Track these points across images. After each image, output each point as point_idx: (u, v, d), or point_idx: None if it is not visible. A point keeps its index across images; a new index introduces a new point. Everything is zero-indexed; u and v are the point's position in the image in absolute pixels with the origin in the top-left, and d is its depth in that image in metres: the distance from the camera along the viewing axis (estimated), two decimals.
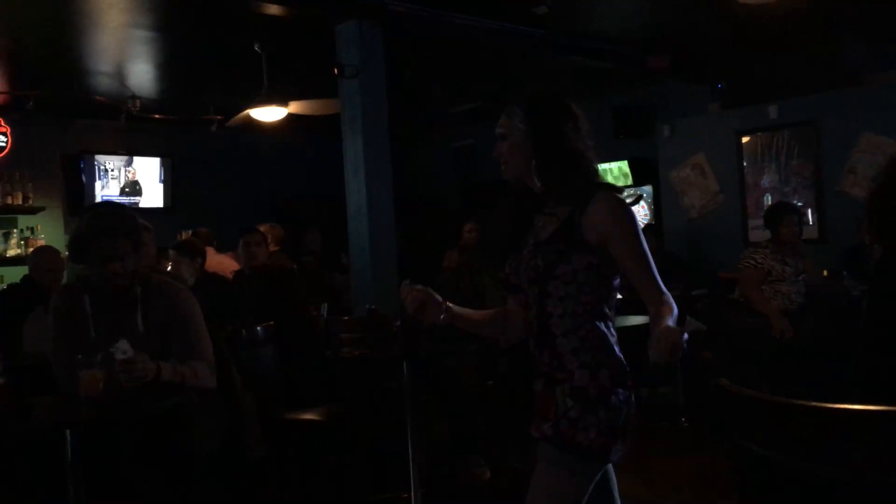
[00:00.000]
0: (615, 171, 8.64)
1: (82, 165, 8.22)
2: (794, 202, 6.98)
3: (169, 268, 5.23)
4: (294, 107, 6.13)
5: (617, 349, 2.05)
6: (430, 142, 10.15)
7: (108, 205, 3.51)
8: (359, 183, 5.65)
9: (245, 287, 5.22)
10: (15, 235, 7.74)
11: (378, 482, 4.27)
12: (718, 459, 4.84)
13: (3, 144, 7.75)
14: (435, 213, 9.57)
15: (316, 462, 4.38)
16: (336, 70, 5.55)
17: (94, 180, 8.28)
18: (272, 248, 6.10)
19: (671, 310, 1.93)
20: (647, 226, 7.58)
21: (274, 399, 4.13)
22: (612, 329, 2.07)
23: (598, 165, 2.18)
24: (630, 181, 8.53)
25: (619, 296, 2.14)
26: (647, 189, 8.55)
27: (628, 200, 2.06)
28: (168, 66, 6.91)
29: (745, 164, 7.73)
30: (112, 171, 8.42)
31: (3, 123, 7.72)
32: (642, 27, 6.64)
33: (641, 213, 8.70)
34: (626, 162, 8.52)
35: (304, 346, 4.80)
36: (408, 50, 6.44)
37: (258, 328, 4.32)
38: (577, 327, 2.02)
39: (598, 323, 2.03)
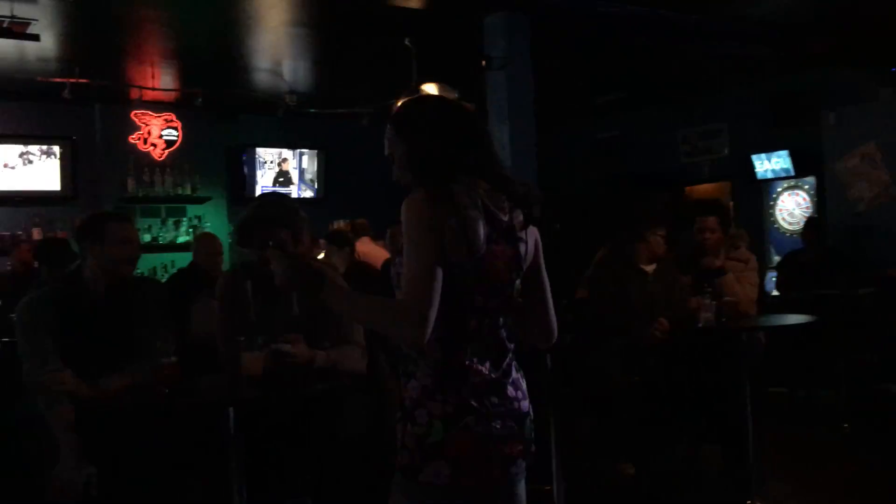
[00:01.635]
0: (773, 162, 8.22)
1: (244, 158, 8.69)
2: None
3: (321, 256, 5.45)
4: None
5: (442, 354, 1.84)
6: (575, 133, 10.01)
7: (273, 195, 3.70)
8: None
9: (376, 283, 5.35)
10: (184, 224, 8.30)
11: None
12: (882, 467, 4.56)
13: (175, 138, 8.31)
14: (579, 205, 9.45)
15: None
16: (483, 62, 5.58)
17: (254, 171, 8.73)
18: None
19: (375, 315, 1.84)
20: (809, 219, 7.16)
21: None
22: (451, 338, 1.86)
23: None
24: (791, 172, 8.09)
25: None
26: (810, 181, 8.08)
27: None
28: (323, 63, 7.18)
29: None
30: (269, 162, 8.85)
31: (175, 119, 8.28)
32: (804, 9, 6.26)
33: (803, 205, 8.24)
34: (786, 152, 8.09)
35: None
36: (554, 39, 6.38)
37: None
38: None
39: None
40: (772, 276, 7.38)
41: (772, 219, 8.48)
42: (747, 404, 4.06)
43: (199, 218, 8.37)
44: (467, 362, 1.85)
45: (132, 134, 8.11)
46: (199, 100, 7.54)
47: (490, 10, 5.64)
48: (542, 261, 2.03)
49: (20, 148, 7.59)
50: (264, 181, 8.80)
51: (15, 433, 3.00)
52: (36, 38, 5.47)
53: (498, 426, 1.85)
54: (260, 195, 7.24)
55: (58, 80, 6.58)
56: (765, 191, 8.51)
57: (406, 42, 6.06)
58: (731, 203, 8.53)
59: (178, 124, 8.31)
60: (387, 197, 10.05)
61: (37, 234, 7.49)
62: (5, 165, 7.52)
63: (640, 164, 9.39)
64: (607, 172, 9.73)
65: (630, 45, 6.87)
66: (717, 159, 8.91)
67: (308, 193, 9.05)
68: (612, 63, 7.49)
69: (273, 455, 2.89)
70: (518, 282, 1.96)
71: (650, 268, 4.68)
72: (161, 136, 8.25)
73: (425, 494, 1.83)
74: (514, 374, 1.95)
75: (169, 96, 7.76)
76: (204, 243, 5.62)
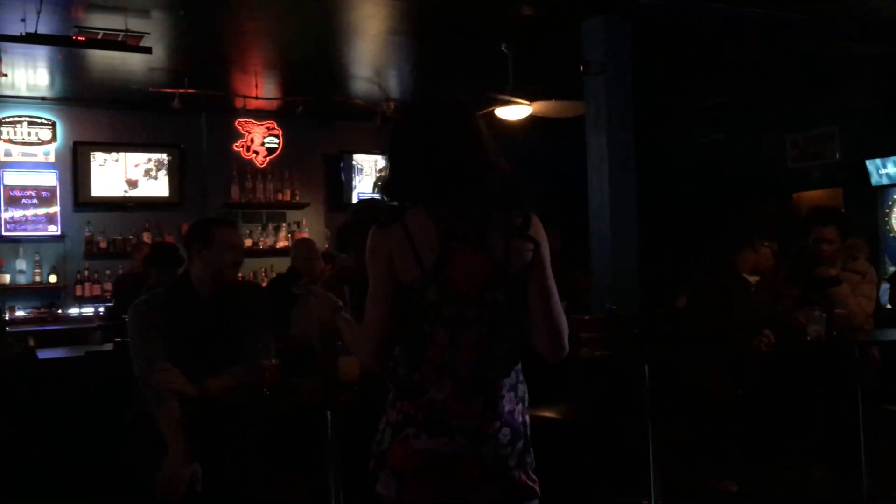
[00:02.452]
0: (890, 167, 7.81)
1: (342, 164, 8.85)
2: None
3: None
4: (538, 107, 6.16)
5: (404, 368, 1.83)
6: (677, 138, 9.77)
7: (371, 201, 3.73)
8: (602, 181, 5.57)
9: None
10: (283, 229, 8.51)
11: (617, 487, 4.18)
12: None
13: (276, 146, 8.54)
14: (682, 211, 9.20)
15: (552, 461, 4.38)
16: (582, 67, 5.51)
17: (351, 178, 8.88)
18: None
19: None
20: None
21: None
22: (413, 346, 1.83)
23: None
24: None
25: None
26: None
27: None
28: (419, 69, 7.24)
29: None
30: (367, 169, 8.98)
31: (276, 127, 8.52)
32: None
33: None
34: None
35: None
36: (655, 43, 6.25)
37: None
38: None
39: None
40: (886, 288, 7.01)
41: (887, 227, 8.07)
42: (860, 421, 3.85)
43: (297, 223, 8.57)
44: (425, 375, 1.80)
45: (236, 142, 8.38)
46: (300, 108, 7.73)
47: (589, 14, 5.56)
48: (543, 265, 1.87)
49: (133, 155, 7.95)
50: (362, 187, 8.93)
51: (128, 428, 3.12)
52: (148, 50, 5.72)
53: (443, 442, 1.77)
54: (359, 201, 7.36)
55: (168, 90, 6.86)
56: (880, 198, 8.09)
57: (503, 47, 6.04)
58: (843, 210, 8.15)
59: (279, 132, 8.54)
60: None
61: (147, 238, 7.83)
62: (120, 170, 7.89)
63: (746, 170, 9.08)
64: (711, 178, 9.45)
65: (736, 47, 6.66)
66: (828, 164, 8.53)
67: None
68: (716, 65, 7.28)
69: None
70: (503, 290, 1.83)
71: (754, 278, 4.51)
72: (263, 144, 8.50)
73: None
74: (497, 392, 1.82)
75: (271, 105, 7.99)
76: (302, 248, 5.74)
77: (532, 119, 6.57)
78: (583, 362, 4.39)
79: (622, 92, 5.57)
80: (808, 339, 3.95)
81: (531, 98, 6.18)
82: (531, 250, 1.85)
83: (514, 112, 6.25)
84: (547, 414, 4.11)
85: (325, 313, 2.30)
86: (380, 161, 9.04)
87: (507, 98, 6.13)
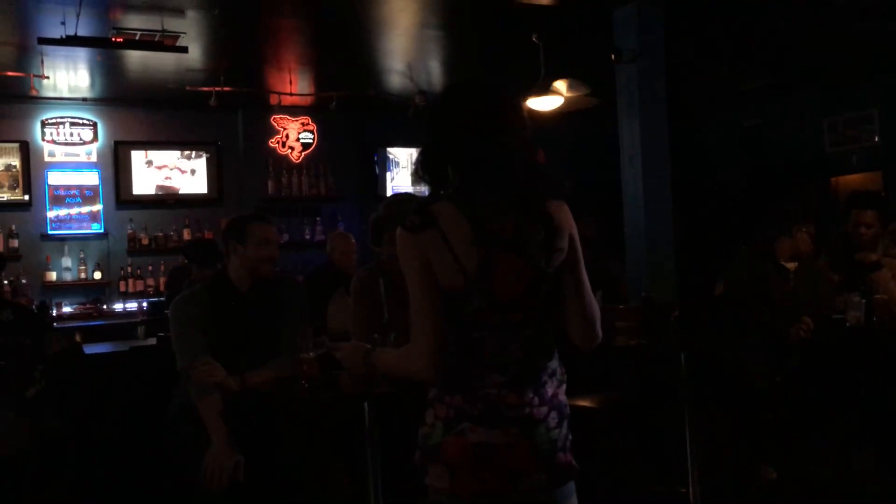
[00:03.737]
0: None
1: (376, 158, 8.91)
2: None
3: None
4: (569, 100, 6.14)
5: (453, 365, 1.80)
6: (716, 121, 9.65)
7: (402, 195, 3.77)
8: (635, 170, 5.55)
9: None
10: (319, 223, 8.60)
11: (655, 474, 4.19)
12: None
13: (311, 141, 8.62)
14: (719, 197, 9.11)
15: (589, 449, 4.39)
16: (613, 56, 5.49)
17: (385, 171, 8.94)
18: None
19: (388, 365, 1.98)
20: None
21: None
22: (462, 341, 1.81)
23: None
24: None
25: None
26: None
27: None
28: (451, 62, 7.26)
29: None
30: (402, 162, 9.03)
31: (310, 122, 8.60)
32: None
33: None
34: None
35: None
36: (690, 27, 6.19)
37: None
38: None
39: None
40: None
41: None
42: None
43: (333, 217, 8.65)
44: (475, 373, 1.81)
45: (271, 138, 8.48)
46: (334, 103, 7.79)
47: (619, 2, 5.53)
48: (576, 256, 1.87)
49: (172, 153, 8.09)
50: (397, 181, 8.99)
51: (172, 420, 3.20)
52: (185, 49, 5.82)
53: (498, 434, 1.78)
54: (393, 194, 7.40)
55: (204, 88, 6.97)
56: None
57: (534, 38, 6.04)
58: (884, 194, 8.01)
59: (314, 127, 8.62)
60: None
61: (186, 234, 7.97)
62: (160, 168, 8.04)
63: (784, 153, 8.95)
64: (750, 162, 9.33)
65: (772, 29, 6.57)
66: (867, 148, 8.38)
67: None
68: (752, 48, 7.18)
69: (407, 451, 2.96)
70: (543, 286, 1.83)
71: (792, 265, 4.47)
72: (298, 139, 8.58)
73: (432, 495, 1.83)
74: (542, 377, 1.84)
75: (305, 101, 8.06)
76: (338, 242, 5.81)
77: (566, 107, 6.56)
78: (619, 351, 4.40)
79: (654, 80, 5.54)
80: (848, 325, 3.91)
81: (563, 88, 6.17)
82: (572, 243, 1.86)
83: (547, 103, 6.24)
84: (584, 403, 4.12)
85: (356, 366, 2.18)
86: (414, 154, 9.08)
87: (543, 88, 6.12)
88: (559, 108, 6.32)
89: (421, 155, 1.88)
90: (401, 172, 9.02)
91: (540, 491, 1.80)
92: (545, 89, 6.15)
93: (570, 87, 6.00)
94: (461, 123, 1.83)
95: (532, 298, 1.82)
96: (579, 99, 6.18)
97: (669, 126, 5.62)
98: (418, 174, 1.87)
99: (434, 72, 7.58)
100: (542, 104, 6.26)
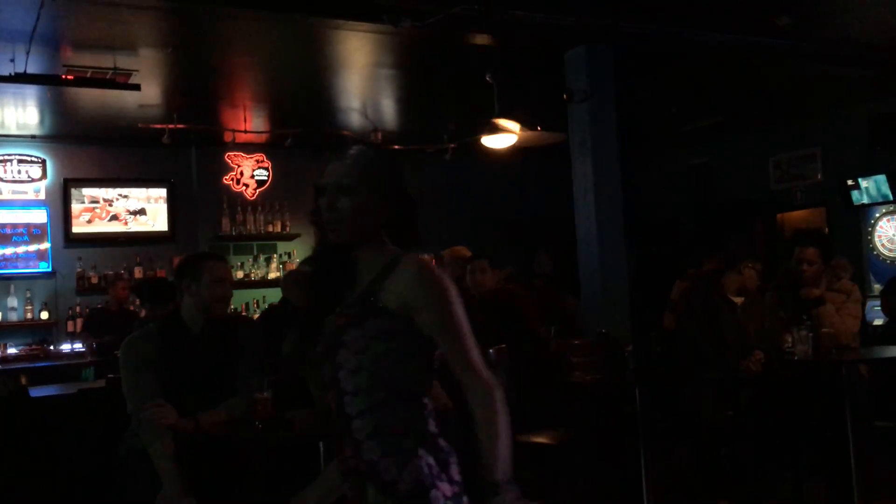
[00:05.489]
0: (871, 186, 7.92)
1: None
2: None
3: None
4: (520, 137, 6.24)
5: (438, 435, 1.71)
6: (666, 159, 9.87)
7: None
8: (588, 206, 5.63)
9: (474, 311, 5.36)
10: (275, 260, 8.54)
11: None
12: None
13: (266, 178, 8.59)
14: (670, 234, 9.28)
15: (548, 485, 4.39)
16: (565, 95, 5.60)
17: None
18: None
19: (496, 415, 1.69)
20: None
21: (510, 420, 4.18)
22: (430, 409, 1.73)
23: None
24: (890, 197, 7.79)
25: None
26: None
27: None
28: (406, 101, 7.33)
29: None
30: None
31: (265, 159, 8.57)
32: None
33: (890, 232, 7.91)
34: (884, 176, 7.79)
35: (535, 370, 4.84)
36: (639, 69, 6.35)
37: (490, 351, 4.42)
38: (374, 407, 1.67)
39: (408, 402, 1.69)
40: (872, 306, 7.08)
41: (870, 245, 8.16)
42: (850, 439, 3.89)
43: (288, 254, 8.59)
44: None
45: (226, 175, 8.43)
46: (289, 140, 7.79)
47: (571, 44, 5.66)
48: None
49: (124, 190, 7.98)
50: None
51: (123, 463, 3.12)
52: (137, 87, 5.78)
53: None
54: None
55: (157, 126, 6.92)
56: (862, 217, 8.20)
57: (487, 77, 6.13)
58: (827, 230, 8.25)
59: (269, 164, 8.60)
60: (468, 230, 10.11)
61: (138, 272, 7.83)
62: (111, 205, 7.92)
63: (731, 191, 9.18)
64: (698, 199, 9.54)
65: (719, 71, 6.77)
66: (810, 185, 8.65)
67: None
68: (701, 89, 7.39)
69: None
70: None
71: (739, 299, 4.56)
72: (252, 176, 8.55)
73: None
74: None
75: (260, 138, 8.05)
76: (293, 280, 5.76)
77: (516, 147, 6.65)
78: (574, 386, 4.43)
79: (605, 119, 5.66)
80: (796, 358, 3.99)
81: (516, 126, 6.26)
82: None
83: (500, 140, 6.33)
84: (540, 439, 4.13)
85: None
86: None
87: (498, 125, 6.19)
88: (514, 145, 6.41)
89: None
90: None
91: None
92: (498, 128, 6.23)
93: (523, 126, 6.09)
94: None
95: None
96: (535, 136, 6.27)
97: (621, 164, 5.73)
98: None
99: (389, 110, 7.65)
100: (495, 142, 6.35)
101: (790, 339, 4.03)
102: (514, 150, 6.97)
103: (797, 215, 8.88)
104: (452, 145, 8.09)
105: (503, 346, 4.51)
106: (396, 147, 8.34)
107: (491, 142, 6.36)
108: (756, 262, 4.45)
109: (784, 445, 4.28)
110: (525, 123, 6.19)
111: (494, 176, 9.22)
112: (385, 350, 1.68)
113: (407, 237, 1.86)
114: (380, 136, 7.79)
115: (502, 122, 6.00)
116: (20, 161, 7.61)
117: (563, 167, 6.12)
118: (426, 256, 1.83)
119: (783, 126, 8.68)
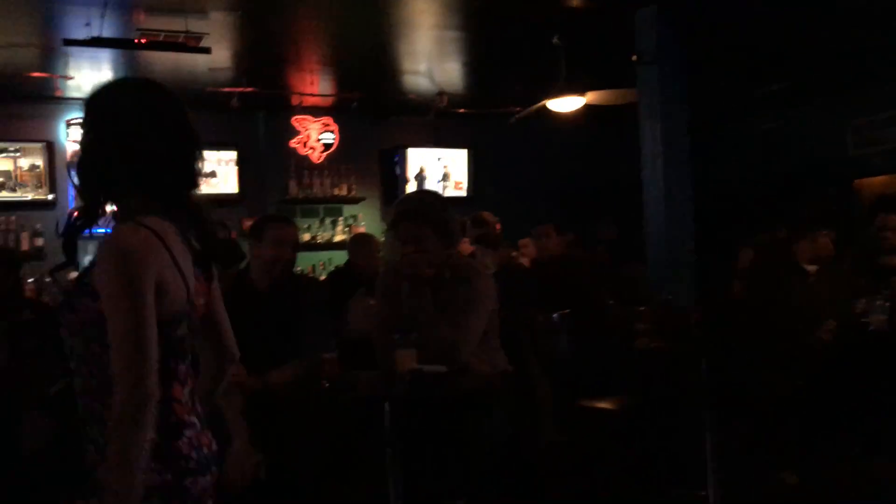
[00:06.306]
0: None
1: (396, 159, 8.93)
2: None
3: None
4: (591, 97, 6.14)
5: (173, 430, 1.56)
6: (737, 124, 9.59)
7: (417, 192, 3.80)
8: (656, 171, 5.53)
9: (539, 277, 5.36)
10: (340, 223, 8.64)
11: (674, 478, 4.17)
12: None
13: (332, 141, 8.66)
14: (741, 200, 9.05)
15: (609, 451, 4.39)
16: (634, 57, 5.48)
17: (405, 172, 8.96)
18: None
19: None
20: None
21: (568, 386, 4.20)
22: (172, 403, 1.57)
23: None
24: None
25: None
26: None
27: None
28: (472, 63, 7.27)
29: None
30: (421, 162, 9.04)
31: (332, 122, 8.64)
32: None
33: None
34: None
35: (598, 336, 4.82)
36: (711, 29, 6.16)
37: (554, 316, 4.42)
38: (88, 394, 1.54)
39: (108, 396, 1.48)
40: None
41: None
42: None
43: (353, 217, 8.68)
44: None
45: (293, 138, 8.52)
46: (355, 104, 7.82)
47: (640, 4, 5.52)
48: None
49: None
50: (419, 182, 9.00)
51: None
52: (207, 50, 5.86)
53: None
54: (407, 194, 7.43)
55: (227, 89, 7.02)
56: None
57: (554, 39, 6.04)
58: None
59: (335, 128, 8.65)
60: (532, 195, 10.06)
61: None
62: None
63: (805, 157, 8.88)
64: (770, 165, 9.27)
65: (794, 32, 6.52)
66: (891, 150, 8.29)
67: (457, 192, 9.18)
68: (775, 51, 7.13)
69: (427, 453, 2.97)
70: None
71: (812, 268, 4.44)
72: (319, 140, 8.62)
73: None
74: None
75: (326, 101, 8.10)
76: (359, 243, 5.83)
77: (585, 109, 6.55)
78: (637, 353, 4.40)
79: (675, 81, 5.52)
80: (871, 329, 3.88)
81: (584, 89, 6.16)
82: None
83: (567, 104, 6.24)
84: (602, 405, 4.12)
85: None
86: (434, 154, 9.10)
87: (565, 87, 6.11)
88: (583, 105, 6.31)
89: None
90: (420, 174, 9.04)
91: None
92: (566, 90, 6.15)
93: (590, 89, 6.00)
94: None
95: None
96: (604, 95, 6.17)
97: (690, 127, 5.60)
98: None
99: (455, 73, 7.60)
100: (563, 105, 6.27)
101: (865, 308, 3.92)
102: (580, 114, 6.87)
103: (876, 181, 8.53)
104: (518, 109, 8.01)
105: (566, 311, 4.51)
106: (462, 110, 8.30)
107: (558, 105, 6.28)
108: (831, 229, 4.31)
109: (854, 418, 4.18)
110: (593, 86, 6.10)
111: (559, 141, 9.12)
112: (97, 334, 1.50)
113: None
114: (445, 99, 7.76)
115: (569, 84, 5.92)
116: None
117: (629, 132, 6.01)
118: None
119: (862, 89, 8.31)
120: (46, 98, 7.40)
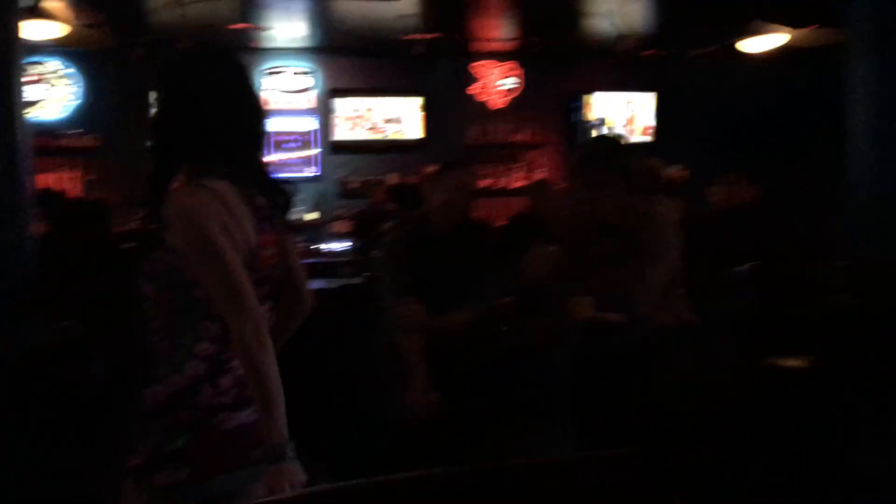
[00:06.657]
0: None
1: (578, 104, 8.76)
2: None
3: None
4: (794, 35, 5.70)
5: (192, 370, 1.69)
6: None
7: (600, 137, 3.71)
8: (867, 115, 5.07)
9: (728, 226, 5.12)
10: (521, 169, 8.62)
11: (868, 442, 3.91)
12: None
13: (514, 87, 8.62)
14: None
15: (795, 412, 4.17)
16: None
17: (588, 117, 8.77)
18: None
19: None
20: None
21: (754, 342, 4.01)
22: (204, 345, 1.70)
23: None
24: None
25: None
26: None
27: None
28: (658, 3, 6.94)
29: None
30: (603, 107, 8.80)
31: (515, 67, 8.58)
32: None
33: None
34: None
35: (788, 290, 4.56)
36: None
37: (742, 268, 4.22)
38: (159, 333, 1.73)
39: (177, 336, 1.70)
40: None
41: None
42: None
43: (535, 164, 8.64)
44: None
45: (474, 84, 8.56)
46: (537, 48, 7.72)
47: None
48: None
49: (381, 100, 8.40)
50: (599, 126, 8.81)
51: (376, 358, 3.39)
52: None
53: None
54: (590, 138, 7.29)
55: (410, 37, 7.14)
56: None
57: None
58: None
59: (518, 72, 8.60)
60: (719, 140, 9.55)
61: (392, 179, 8.27)
62: (369, 114, 8.39)
63: None
64: None
65: None
66: None
67: (644, 138, 8.89)
68: None
69: (601, 402, 2.96)
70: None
71: None
72: (501, 86, 8.61)
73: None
74: None
75: (508, 46, 8.04)
76: (538, 190, 5.81)
77: (779, 50, 6.10)
78: (832, 310, 4.12)
79: (891, 14, 4.99)
80: None
81: (784, 26, 5.74)
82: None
83: (764, 42, 5.83)
84: (790, 363, 3.91)
85: None
86: (619, 97, 8.83)
87: (762, 27, 5.73)
88: (782, 46, 5.89)
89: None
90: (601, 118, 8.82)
91: None
92: (763, 30, 5.75)
93: (789, 26, 5.57)
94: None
95: (277, 272, 1.86)
96: (806, 35, 5.72)
97: None
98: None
99: (638, 15, 7.29)
100: (759, 45, 5.87)
101: None
102: (774, 55, 6.40)
103: None
104: (710, 49, 7.58)
105: (757, 262, 4.29)
106: (645, 53, 7.96)
107: (754, 45, 5.89)
108: None
109: None
110: (791, 23, 5.66)
111: (750, 83, 8.55)
112: (168, 282, 1.74)
113: None
114: (629, 42, 7.48)
115: (767, 23, 5.52)
116: (294, 73, 8.23)
117: (827, 73, 5.53)
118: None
119: None
120: (244, 49, 7.85)
